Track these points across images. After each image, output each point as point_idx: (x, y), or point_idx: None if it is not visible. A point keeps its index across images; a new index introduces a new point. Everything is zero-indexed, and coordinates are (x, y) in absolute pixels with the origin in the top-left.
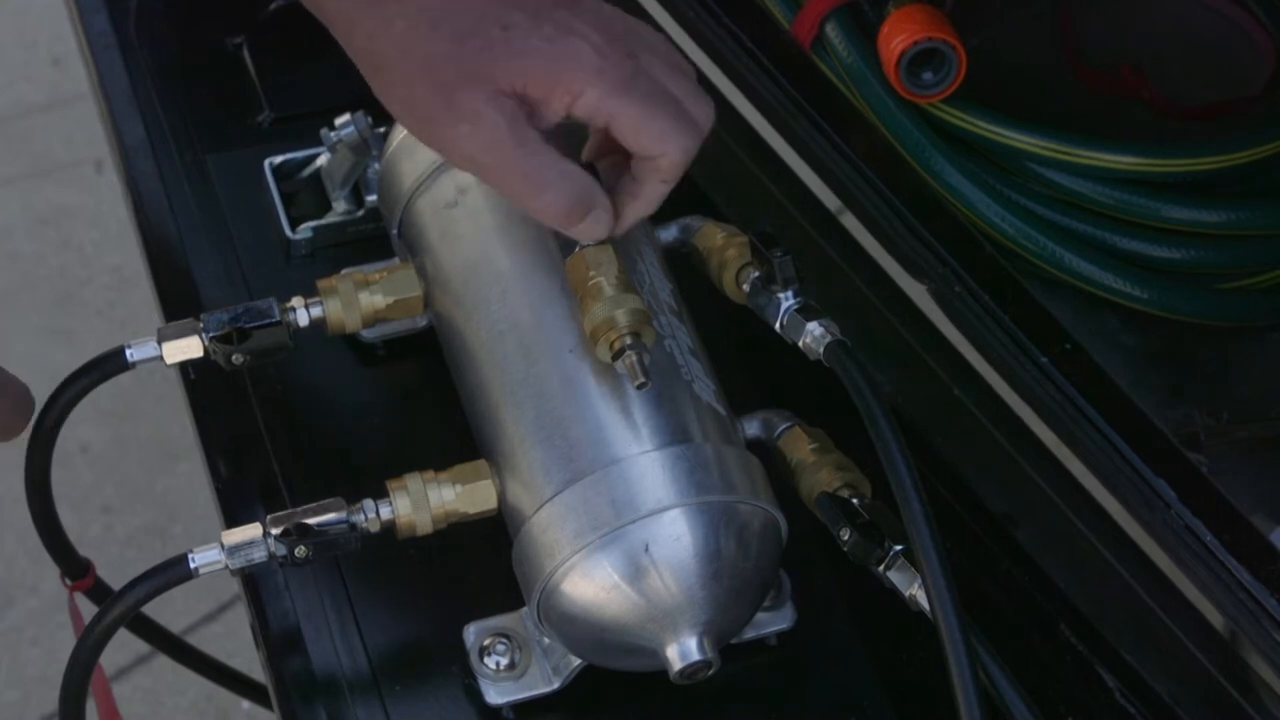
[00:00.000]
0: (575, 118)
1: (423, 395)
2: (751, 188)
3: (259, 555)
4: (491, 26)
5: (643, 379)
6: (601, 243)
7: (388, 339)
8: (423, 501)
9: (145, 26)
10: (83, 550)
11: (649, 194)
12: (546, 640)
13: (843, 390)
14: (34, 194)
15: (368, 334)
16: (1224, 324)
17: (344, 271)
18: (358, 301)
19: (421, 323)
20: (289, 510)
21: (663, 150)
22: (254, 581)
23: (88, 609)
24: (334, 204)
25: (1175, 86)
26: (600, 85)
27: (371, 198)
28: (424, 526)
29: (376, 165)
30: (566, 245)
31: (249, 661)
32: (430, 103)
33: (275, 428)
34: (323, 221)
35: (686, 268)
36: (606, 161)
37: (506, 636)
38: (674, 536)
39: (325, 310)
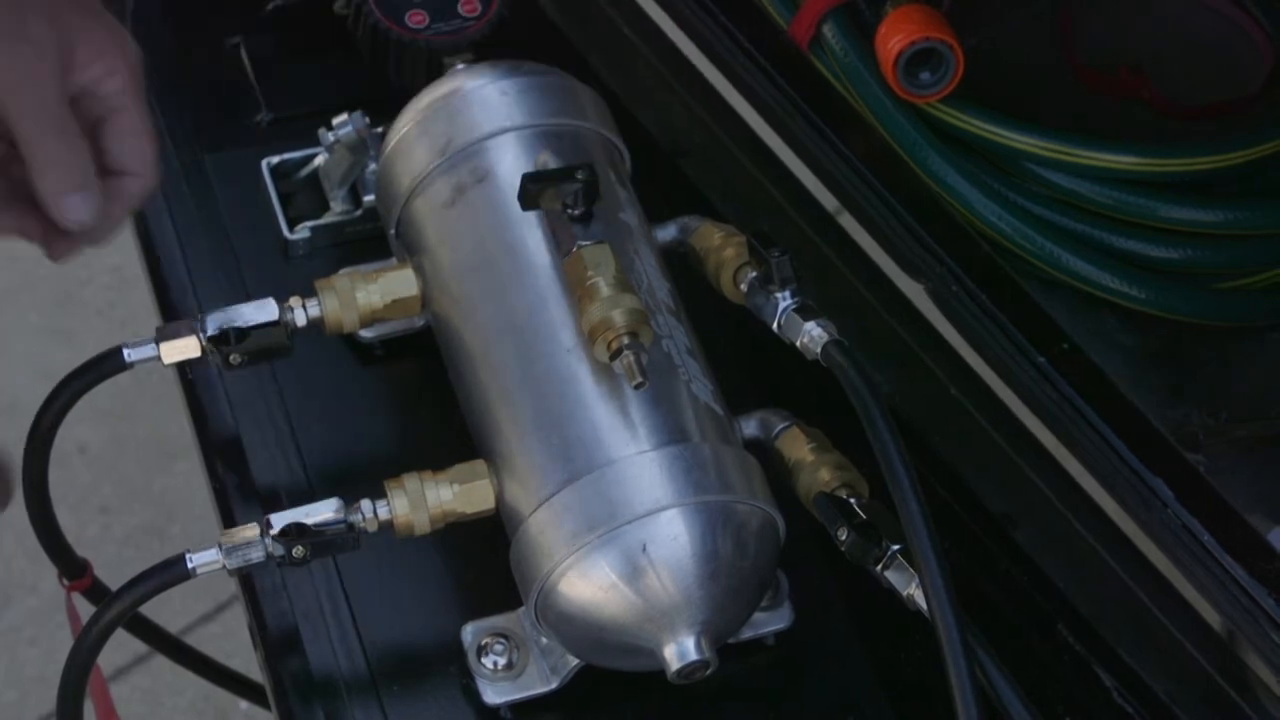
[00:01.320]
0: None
1: (420, 395)
2: (749, 187)
3: (257, 555)
4: None
5: (640, 379)
6: (600, 242)
7: (385, 339)
8: (420, 501)
9: (143, 26)
10: (80, 550)
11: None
12: (544, 640)
13: (840, 390)
14: None
15: (365, 334)
16: (1222, 324)
17: (342, 271)
18: (355, 301)
19: (419, 322)
20: (287, 510)
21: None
22: (252, 581)
23: (86, 609)
24: (332, 204)
25: (1174, 86)
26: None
27: (369, 198)
28: (422, 526)
29: (374, 165)
30: (564, 245)
31: (247, 662)
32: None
33: (274, 427)
34: (320, 221)
35: (684, 267)
36: None
37: (504, 636)
38: (671, 536)
39: (323, 310)
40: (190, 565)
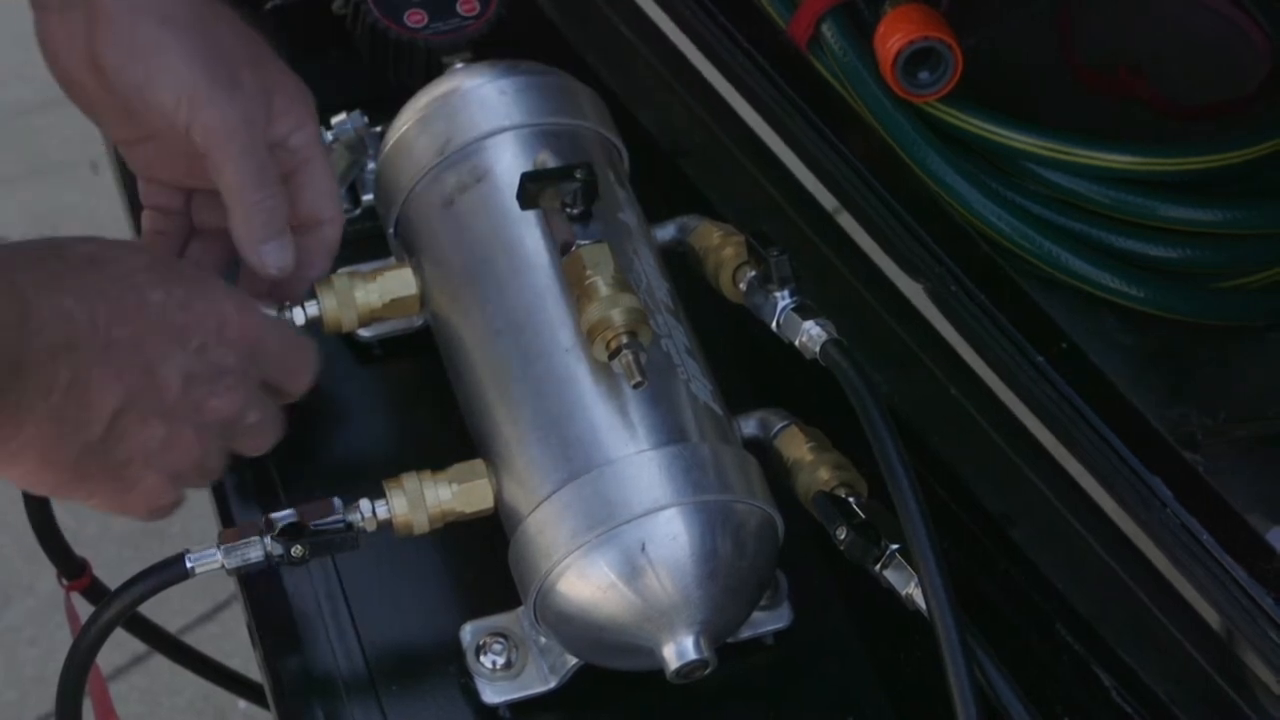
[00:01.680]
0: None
1: (419, 395)
2: (748, 187)
3: (255, 555)
4: None
5: (639, 378)
6: (599, 241)
7: (384, 338)
8: (419, 501)
9: None
10: (79, 550)
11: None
12: (543, 639)
13: (839, 389)
14: (31, 194)
15: (364, 333)
16: (1221, 323)
17: (340, 271)
18: (354, 300)
19: (418, 322)
20: (286, 510)
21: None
22: (251, 581)
23: (85, 609)
24: None
25: (1173, 86)
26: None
27: (368, 197)
28: (421, 526)
29: (373, 164)
30: (563, 245)
31: (246, 661)
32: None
33: None
34: None
35: (683, 267)
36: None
37: (503, 636)
38: (670, 536)
39: (321, 309)
40: (189, 565)
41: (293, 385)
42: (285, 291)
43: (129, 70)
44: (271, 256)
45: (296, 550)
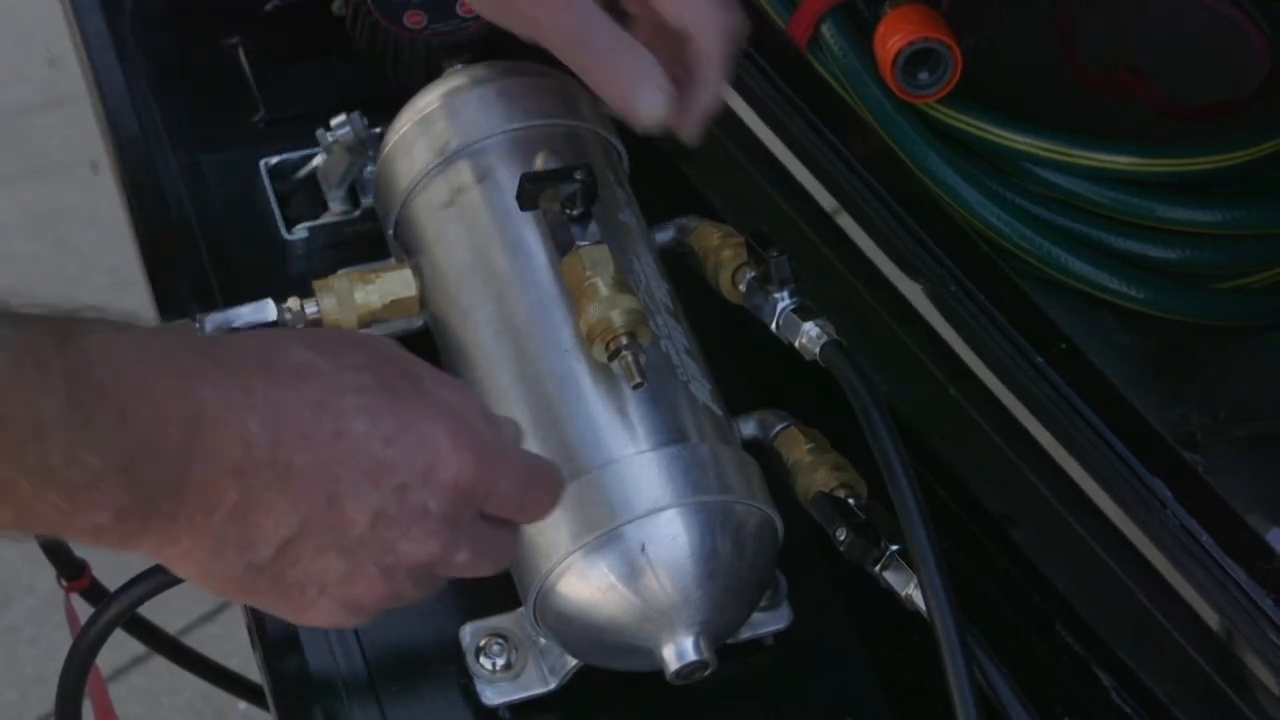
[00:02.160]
0: None
1: None
2: (748, 188)
3: None
4: None
5: (639, 379)
6: (598, 242)
7: None
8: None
9: (141, 27)
10: (78, 551)
11: (701, 82)
12: (543, 640)
13: (839, 390)
14: (31, 194)
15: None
16: (1221, 324)
17: (340, 272)
18: (353, 302)
19: (417, 323)
20: None
21: (700, 25)
22: None
23: (84, 610)
24: (330, 204)
25: (1172, 86)
26: None
27: (367, 198)
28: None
29: (372, 166)
30: (563, 246)
31: (245, 662)
32: None
33: None
34: (319, 222)
35: (683, 268)
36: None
37: (503, 637)
38: (670, 536)
39: (321, 310)
40: None
41: (526, 519)
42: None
43: None
44: (646, 100)
45: None
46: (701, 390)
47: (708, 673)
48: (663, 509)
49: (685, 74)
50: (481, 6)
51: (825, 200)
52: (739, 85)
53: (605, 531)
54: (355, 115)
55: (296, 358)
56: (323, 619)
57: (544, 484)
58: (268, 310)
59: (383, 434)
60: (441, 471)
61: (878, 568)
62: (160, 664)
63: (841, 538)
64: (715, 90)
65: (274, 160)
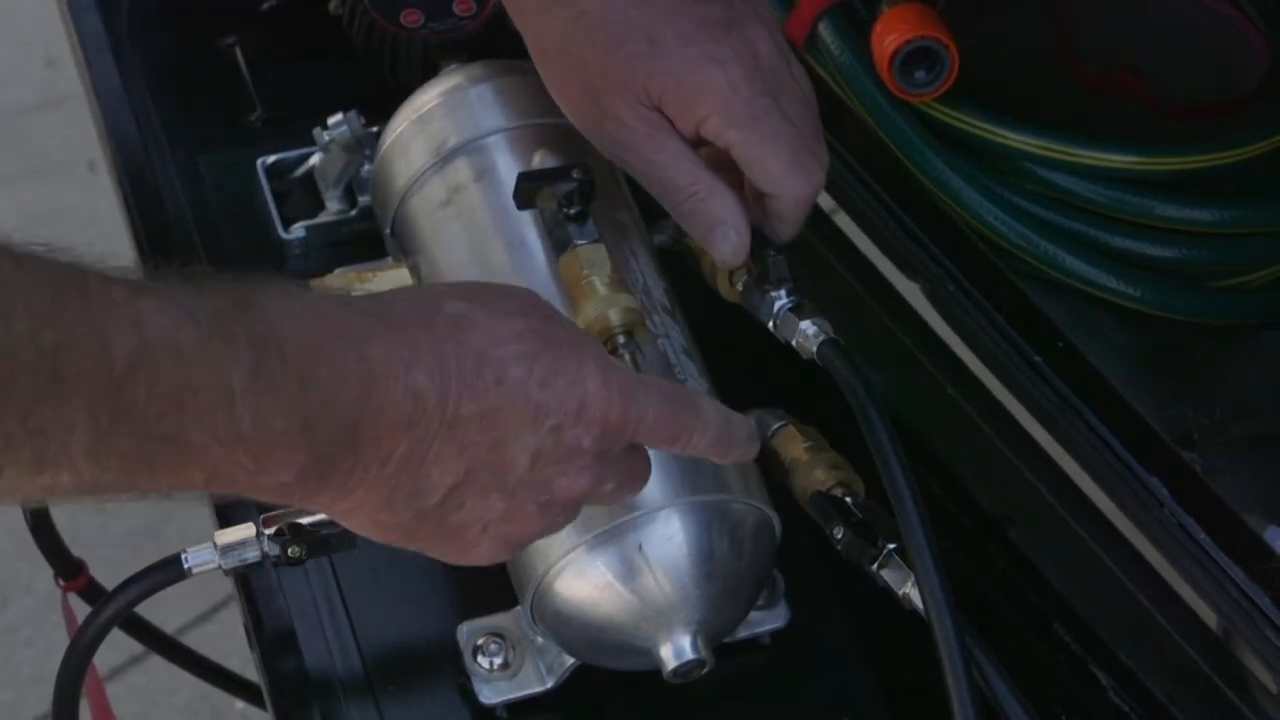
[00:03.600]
0: (703, 138)
1: None
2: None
3: (252, 555)
4: (639, 39)
5: None
6: (596, 241)
7: None
8: None
9: (138, 27)
10: (76, 550)
11: (774, 229)
12: (540, 639)
13: (836, 389)
14: (28, 194)
15: None
16: (1218, 322)
17: (337, 271)
18: None
19: None
20: (282, 509)
21: (776, 191)
22: (247, 581)
23: (81, 609)
24: (327, 204)
25: (1170, 85)
26: (724, 115)
27: (364, 197)
28: None
29: (369, 165)
30: (560, 244)
31: (243, 661)
32: (581, 101)
33: None
34: (316, 221)
35: (680, 266)
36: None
37: (500, 636)
38: (667, 535)
39: None
40: (186, 565)
41: (682, 447)
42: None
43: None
44: (719, 245)
45: (293, 551)
46: (699, 389)
47: (705, 672)
48: (660, 508)
49: (759, 216)
50: (576, 120)
51: (823, 199)
52: None
53: (602, 530)
54: (352, 114)
55: (453, 309)
56: (482, 557)
57: (691, 411)
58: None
59: (538, 378)
60: (592, 410)
61: (875, 566)
62: (157, 663)
63: (839, 536)
64: (784, 240)
65: (271, 159)
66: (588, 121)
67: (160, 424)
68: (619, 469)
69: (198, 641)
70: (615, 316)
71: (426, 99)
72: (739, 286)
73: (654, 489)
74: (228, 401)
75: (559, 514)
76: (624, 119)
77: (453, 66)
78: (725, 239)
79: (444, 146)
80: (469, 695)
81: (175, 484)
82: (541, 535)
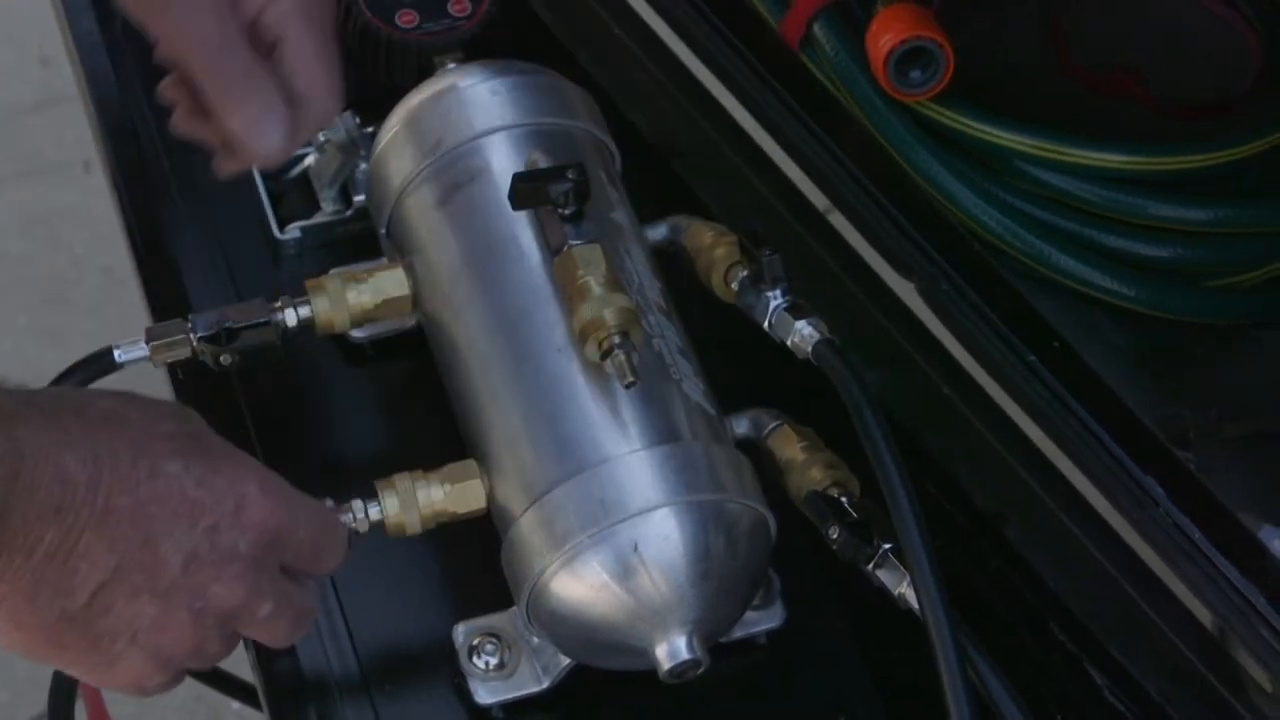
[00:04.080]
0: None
1: (412, 395)
2: (740, 187)
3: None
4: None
5: (631, 378)
6: (591, 241)
7: (377, 339)
8: (411, 501)
9: (133, 28)
10: None
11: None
12: (536, 639)
13: (832, 389)
14: (24, 194)
15: (356, 334)
16: (1213, 322)
17: (332, 271)
18: (346, 301)
19: (410, 322)
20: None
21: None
22: None
23: None
24: (322, 204)
25: (1165, 85)
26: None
27: (360, 197)
28: (413, 527)
29: (365, 165)
30: (555, 245)
31: (238, 662)
32: None
33: (264, 428)
34: (311, 221)
35: (675, 267)
36: None
37: (496, 636)
38: (663, 535)
39: (313, 310)
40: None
41: (319, 570)
42: (264, 162)
43: None
44: (263, 140)
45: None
46: (694, 389)
47: (701, 672)
48: (655, 508)
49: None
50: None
51: (817, 199)
52: (731, 84)
53: (598, 530)
54: (347, 114)
55: (105, 404)
56: (128, 674)
57: (334, 533)
58: (259, 309)
59: (195, 475)
60: (251, 512)
61: (871, 566)
62: None
63: (834, 536)
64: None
65: None
66: None
67: None
68: (276, 588)
69: None
70: (611, 317)
71: (422, 99)
72: (734, 286)
73: (649, 488)
74: None
75: (213, 627)
76: None
77: (448, 67)
78: (277, 130)
79: (439, 147)
80: (465, 695)
81: None
82: (193, 652)
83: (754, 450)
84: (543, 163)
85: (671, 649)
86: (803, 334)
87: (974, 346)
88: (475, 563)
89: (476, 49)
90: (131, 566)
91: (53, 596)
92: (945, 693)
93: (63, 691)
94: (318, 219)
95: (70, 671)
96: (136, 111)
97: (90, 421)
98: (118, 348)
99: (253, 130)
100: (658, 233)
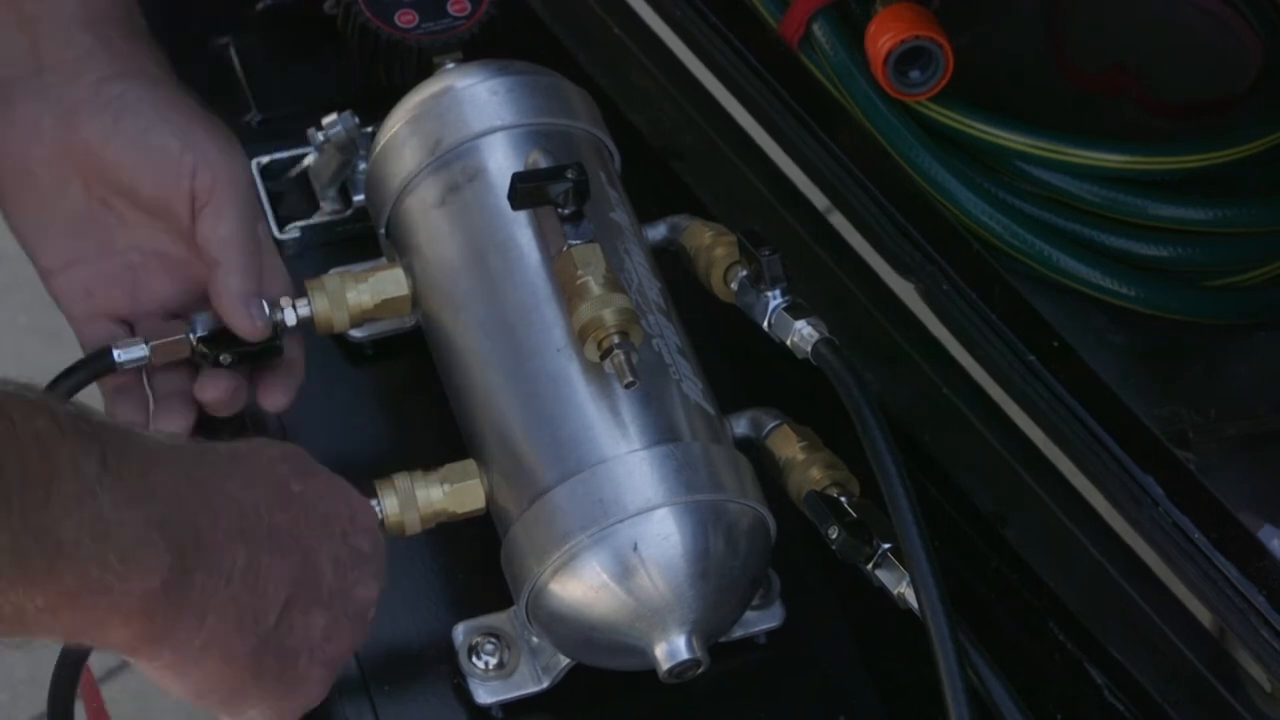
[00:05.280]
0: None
1: (411, 395)
2: (739, 186)
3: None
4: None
5: (631, 378)
6: (590, 241)
7: (376, 338)
8: (411, 501)
9: None
10: None
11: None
12: (535, 639)
13: (831, 388)
14: None
15: (356, 333)
16: (1212, 321)
17: (332, 271)
18: (345, 301)
19: (409, 322)
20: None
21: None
22: None
23: None
24: (321, 203)
25: (1163, 85)
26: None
27: (359, 197)
28: (412, 526)
29: (364, 165)
30: (554, 245)
31: None
32: None
33: (263, 428)
34: (310, 221)
35: (674, 266)
36: None
37: (495, 635)
38: (662, 535)
39: (313, 310)
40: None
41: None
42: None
43: (122, 127)
44: (256, 310)
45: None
46: (693, 389)
47: (700, 671)
48: (655, 508)
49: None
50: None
51: (817, 199)
52: (731, 84)
53: (598, 530)
54: (347, 114)
55: (223, 449)
56: (315, 690)
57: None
58: (259, 309)
59: (315, 491)
60: (360, 518)
61: (870, 566)
62: None
63: (834, 536)
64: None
65: (265, 160)
66: None
67: (34, 516)
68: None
69: None
70: (610, 317)
71: (421, 99)
72: (733, 286)
73: (648, 488)
74: (90, 491)
75: (362, 626)
76: None
77: (447, 66)
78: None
79: (438, 147)
80: (464, 695)
81: (48, 591)
82: (348, 656)
83: (753, 450)
84: (542, 163)
85: (671, 649)
86: (802, 334)
87: (973, 346)
88: (475, 563)
89: (476, 49)
90: (301, 580)
91: (252, 621)
92: (944, 692)
93: (62, 692)
94: (317, 219)
95: (262, 706)
96: None
97: (223, 460)
98: (117, 348)
99: (253, 304)
100: (657, 233)
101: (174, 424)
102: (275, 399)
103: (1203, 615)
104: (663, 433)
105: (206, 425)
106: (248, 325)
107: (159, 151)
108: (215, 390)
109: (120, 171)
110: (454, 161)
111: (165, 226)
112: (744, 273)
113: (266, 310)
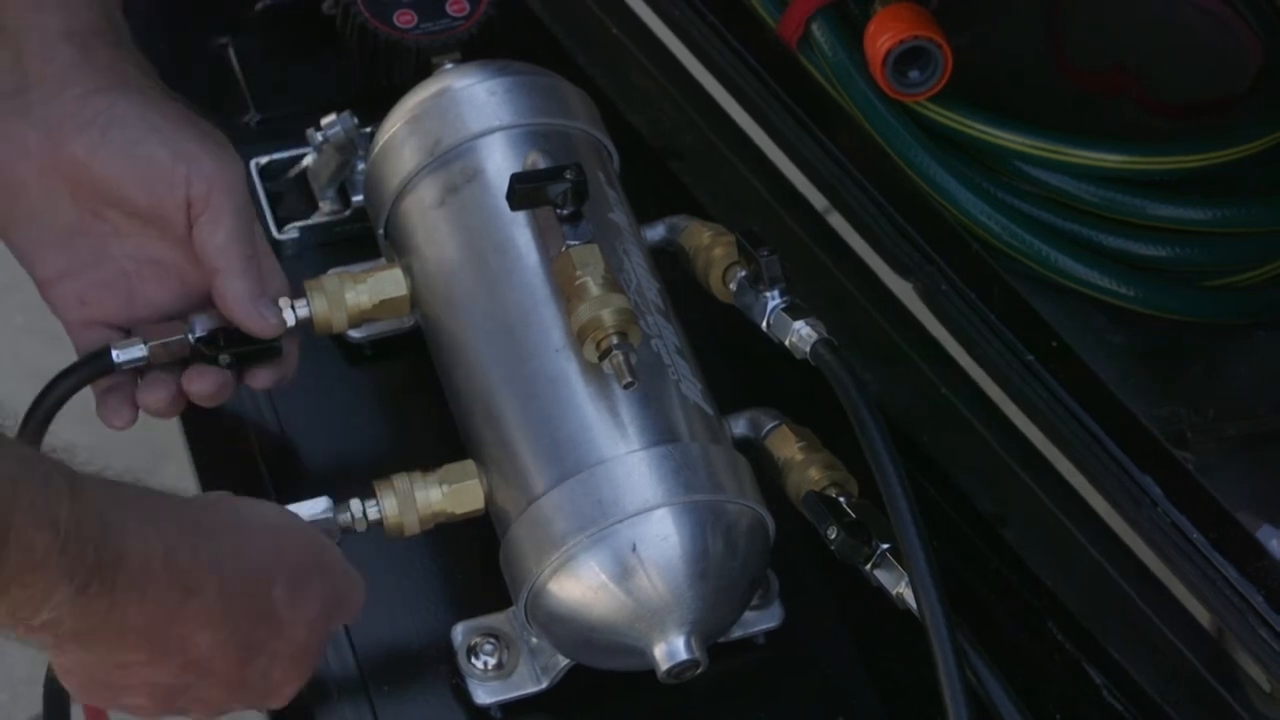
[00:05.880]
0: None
1: (410, 395)
2: (738, 187)
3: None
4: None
5: (630, 378)
6: (589, 242)
7: (375, 339)
8: (410, 502)
9: (131, 27)
10: None
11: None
12: (534, 640)
13: (829, 389)
14: None
15: (355, 334)
16: (1211, 321)
17: (330, 271)
18: (344, 301)
19: (408, 323)
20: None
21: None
22: None
23: None
24: (320, 204)
25: (1162, 85)
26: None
27: (358, 198)
28: (411, 527)
29: (363, 165)
30: (553, 245)
31: None
32: None
33: (263, 428)
34: (309, 222)
35: (673, 267)
36: None
37: (494, 636)
38: (661, 536)
39: (312, 310)
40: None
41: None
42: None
43: (110, 141)
44: (268, 310)
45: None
46: (692, 389)
47: (699, 672)
48: (654, 508)
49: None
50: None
51: (816, 199)
52: (729, 84)
53: (597, 531)
54: (345, 114)
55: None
56: (312, 662)
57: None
58: None
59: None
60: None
61: (869, 566)
62: None
63: (832, 536)
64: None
65: (264, 160)
66: None
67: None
68: None
69: None
70: (609, 317)
71: (420, 99)
72: (732, 287)
73: (647, 489)
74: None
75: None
76: None
77: (446, 67)
78: (275, 312)
79: (437, 147)
80: (463, 695)
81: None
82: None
83: (752, 450)
84: (541, 163)
85: (670, 649)
86: (801, 334)
87: (972, 346)
88: (474, 563)
89: (474, 49)
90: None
91: (251, 600)
92: (943, 692)
93: (60, 693)
94: (316, 219)
95: (273, 678)
96: None
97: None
98: (116, 348)
99: (263, 305)
100: (656, 233)
101: (157, 399)
102: (261, 381)
103: (1202, 615)
104: (661, 433)
105: (194, 415)
106: (261, 325)
107: (149, 163)
108: (203, 383)
109: (111, 185)
110: (453, 162)
111: (160, 234)
112: (743, 273)
113: (275, 305)
